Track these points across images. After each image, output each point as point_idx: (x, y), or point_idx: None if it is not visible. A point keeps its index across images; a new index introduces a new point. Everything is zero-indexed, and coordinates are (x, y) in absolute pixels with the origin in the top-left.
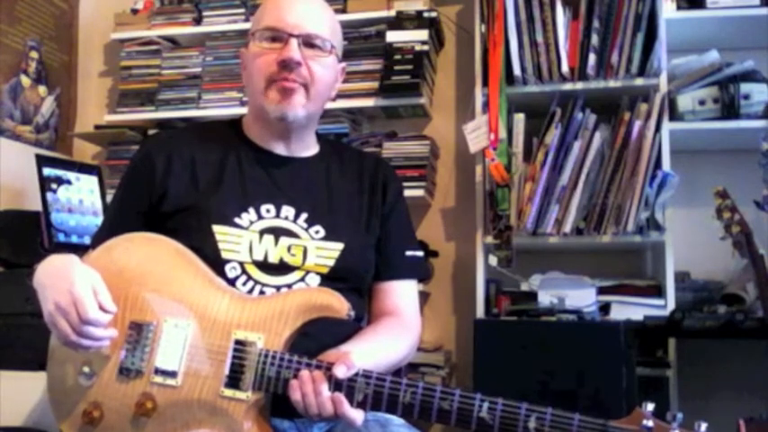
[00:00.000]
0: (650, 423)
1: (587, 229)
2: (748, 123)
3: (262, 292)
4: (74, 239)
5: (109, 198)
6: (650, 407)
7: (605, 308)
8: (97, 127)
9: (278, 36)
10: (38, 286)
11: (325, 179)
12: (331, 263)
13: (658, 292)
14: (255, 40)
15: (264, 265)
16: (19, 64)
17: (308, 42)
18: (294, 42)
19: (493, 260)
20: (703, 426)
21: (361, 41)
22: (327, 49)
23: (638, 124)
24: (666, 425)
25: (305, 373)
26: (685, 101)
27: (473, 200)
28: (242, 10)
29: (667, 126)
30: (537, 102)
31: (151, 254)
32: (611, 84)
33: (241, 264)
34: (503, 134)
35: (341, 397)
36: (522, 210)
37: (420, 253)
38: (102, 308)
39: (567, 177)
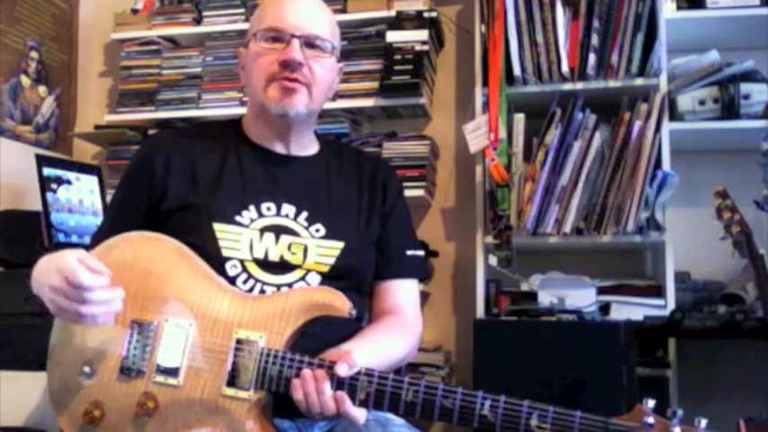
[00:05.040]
0: (651, 420)
1: (587, 229)
2: (748, 123)
3: (262, 291)
4: (74, 239)
5: (109, 198)
6: (651, 403)
7: (605, 308)
8: (97, 127)
9: (280, 36)
10: (36, 285)
11: (325, 178)
12: (331, 261)
13: (658, 292)
14: (257, 40)
15: (265, 264)
16: (19, 64)
17: (310, 43)
18: (296, 43)
19: (493, 260)
20: (703, 422)
21: (361, 41)
22: (328, 50)
23: (638, 124)
24: (667, 421)
25: (307, 371)
26: (685, 101)
27: (473, 200)
28: (242, 10)
29: (667, 126)
30: (537, 102)
31: (151, 253)
32: (611, 84)
33: (242, 261)
34: (503, 134)
35: (343, 396)
36: (522, 210)
37: (421, 252)
38: (92, 271)
39: (567, 177)
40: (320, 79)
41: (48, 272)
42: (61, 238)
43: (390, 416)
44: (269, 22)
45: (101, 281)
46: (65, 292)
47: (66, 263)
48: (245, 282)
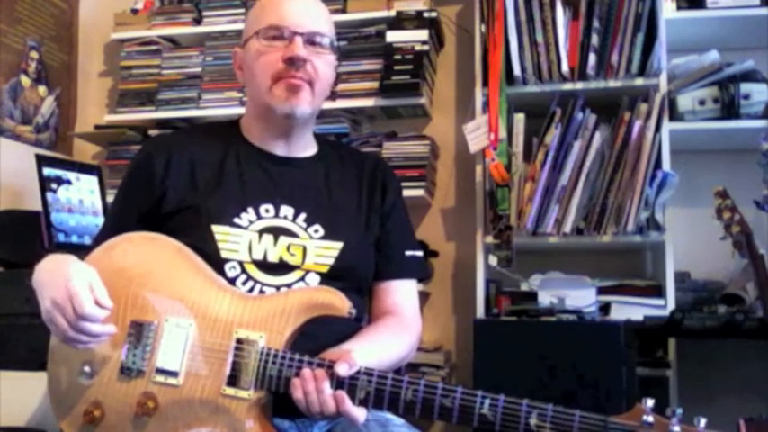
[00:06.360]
0: (650, 418)
1: (587, 229)
2: (748, 123)
3: (261, 292)
4: (74, 239)
5: (109, 198)
6: (650, 402)
7: (605, 308)
8: (97, 127)
9: (282, 34)
10: (36, 285)
11: (324, 179)
12: (331, 262)
13: (658, 292)
14: (258, 39)
15: (264, 265)
16: (19, 64)
17: (311, 40)
18: (299, 40)
19: (493, 260)
20: (702, 421)
21: (361, 41)
22: (328, 46)
23: (638, 124)
24: (666, 420)
25: (307, 371)
26: (685, 101)
27: (473, 200)
28: (242, 10)
29: (667, 126)
30: (537, 102)
31: (151, 253)
32: (611, 84)
33: (240, 263)
34: (503, 134)
35: (343, 395)
36: (522, 210)
37: (420, 252)
38: (98, 304)
39: (567, 177)
40: (322, 75)
41: (55, 281)
42: (61, 238)
43: (390, 416)
44: (270, 20)
45: (101, 315)
46: (65, 313)
47: (75, 285)
48: (244, 283)
